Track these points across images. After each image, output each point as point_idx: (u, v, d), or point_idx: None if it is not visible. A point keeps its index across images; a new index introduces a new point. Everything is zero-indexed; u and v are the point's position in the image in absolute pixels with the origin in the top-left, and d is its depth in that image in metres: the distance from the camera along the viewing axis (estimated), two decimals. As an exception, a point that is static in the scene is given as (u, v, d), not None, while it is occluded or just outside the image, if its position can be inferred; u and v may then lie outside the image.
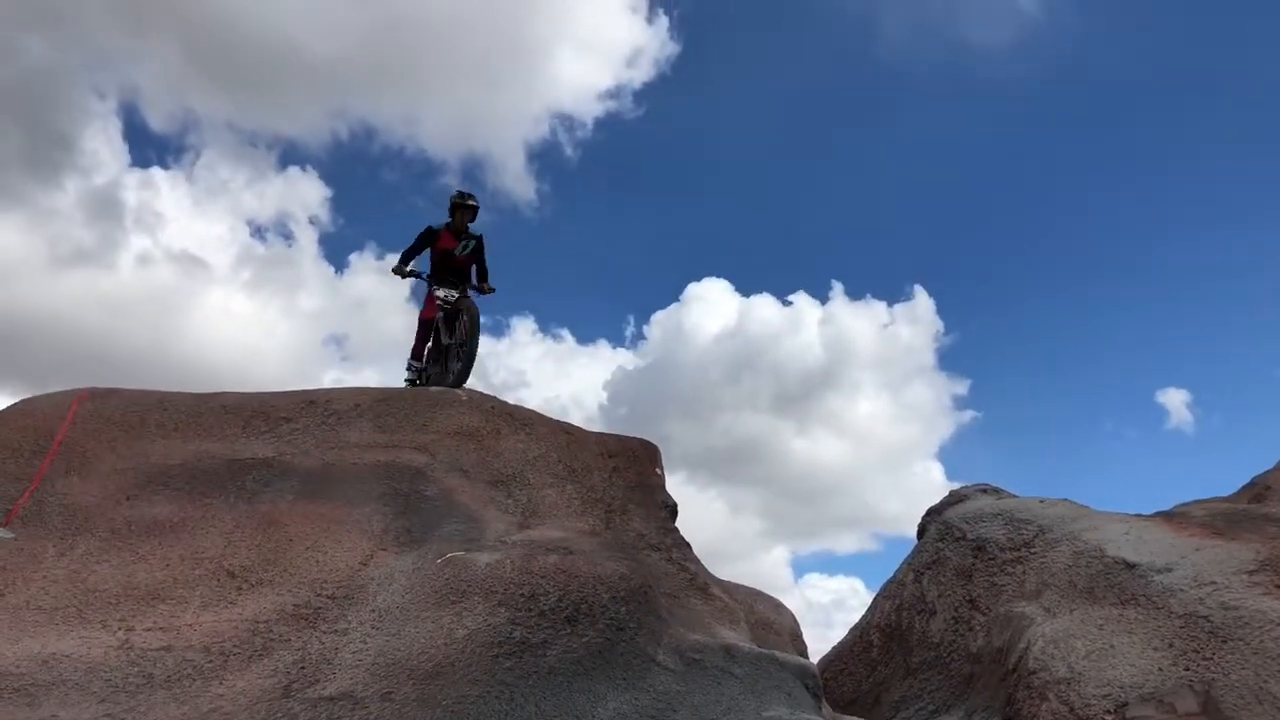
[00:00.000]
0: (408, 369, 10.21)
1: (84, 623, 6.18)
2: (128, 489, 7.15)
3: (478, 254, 10.30)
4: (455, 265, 10.24)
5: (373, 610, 6.19)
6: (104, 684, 5.71)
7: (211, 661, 5.92)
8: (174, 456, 7.47)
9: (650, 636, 6.14)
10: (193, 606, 6.38)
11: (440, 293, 9.87)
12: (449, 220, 10.19)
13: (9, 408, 7.90)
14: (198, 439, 7.70)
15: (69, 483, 7.19)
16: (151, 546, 6.76)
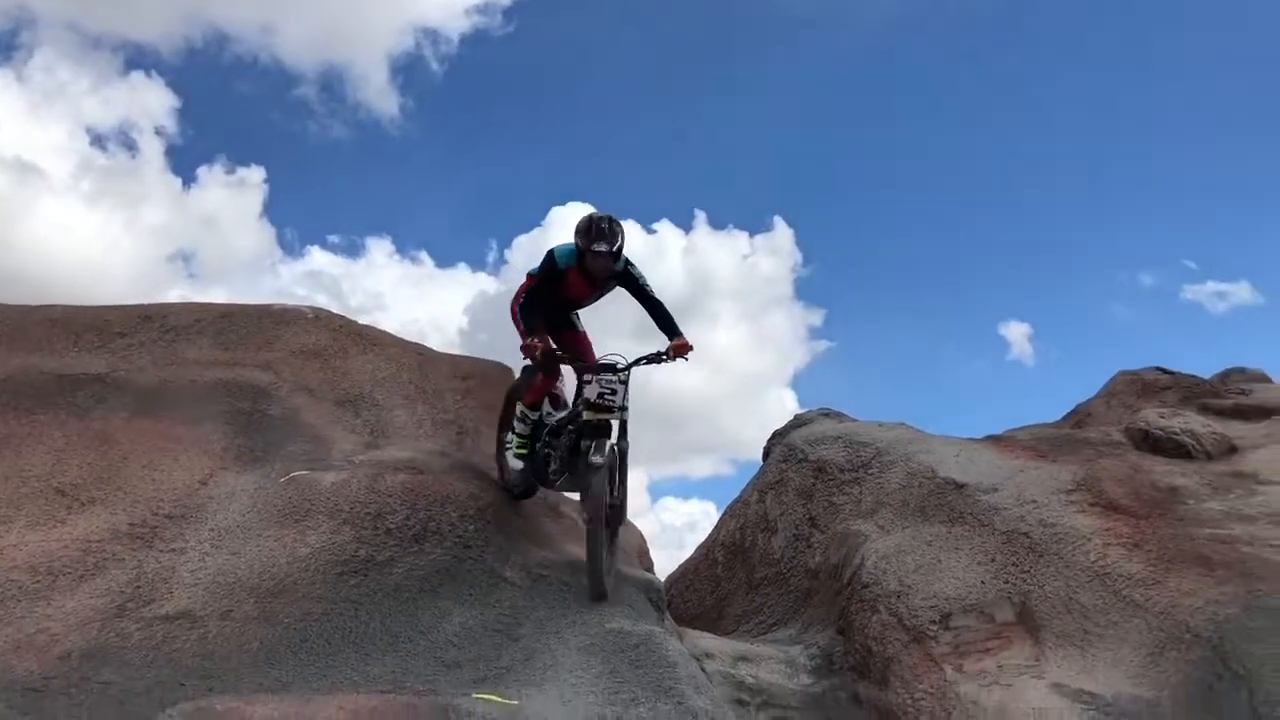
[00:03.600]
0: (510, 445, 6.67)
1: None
2: (-55, 404, 6.75)
3: (634, 288, 6.48)
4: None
5: (212, 529, 6.05)
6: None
7: (38, 582, 5.70)
8: (-3, 370, 7.08)
9: (498, 554, 6.19)
10: (18, 526, 6.11)
11: (591, 387, 6.03)
12: (576, 258, 6.33)
13: None
14: (23, 352, 7.31)
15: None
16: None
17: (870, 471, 8.12)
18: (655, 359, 6.24)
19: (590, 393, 6.01)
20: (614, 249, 6.24)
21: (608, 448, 5.90)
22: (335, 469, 6.67)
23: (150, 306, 7.98)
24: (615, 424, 6.01)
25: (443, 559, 6.08)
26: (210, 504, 6.24)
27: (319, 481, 6.41)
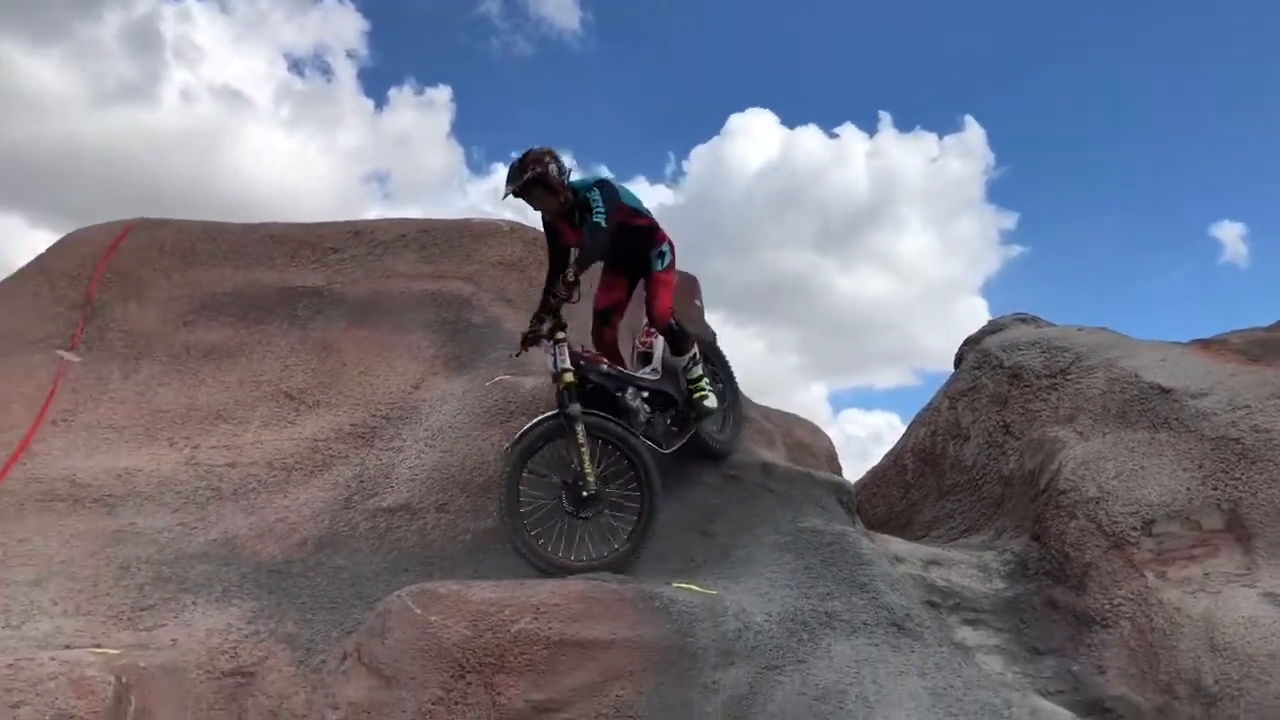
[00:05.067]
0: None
1: (152, 440, 6.50)
2: (184, 315, 7.39)
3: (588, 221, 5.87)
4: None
5: (426, 429, 6.45)
6: (175, 496, 6.06)
7: (275, 476, 6.24)
8: (225, 284, 7.67)
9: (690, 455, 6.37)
10: (253, 426, 6.69)
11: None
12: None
13: (64, 238, 8.10)
14: (248, 268, 7.87)
15: (127, 309, 7.43)
16: (211, 370, 7.03)
17: (1069, 377, 7.88)
18: (546, 310, 5.79)
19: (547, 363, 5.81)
20: (516, 187, 5.80)
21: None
22: (534, 374, 6.98)
23: (359, 223, 8.42)
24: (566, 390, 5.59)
25: (638, 459, 6.30)
26: (423, 406, 6.65)
27: (520, 385, 6.73)
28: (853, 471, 10.55)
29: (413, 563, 5.54)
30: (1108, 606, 6.17)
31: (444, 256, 8.13)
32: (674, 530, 5.79)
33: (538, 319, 5.92)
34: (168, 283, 7.62)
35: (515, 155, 5.96)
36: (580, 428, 5.54)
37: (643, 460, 5.65)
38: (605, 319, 6.49)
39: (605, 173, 6.18)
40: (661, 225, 6.44)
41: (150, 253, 7.85)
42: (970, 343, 9.16)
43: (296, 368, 7.06)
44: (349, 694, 4.43)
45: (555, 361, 5.69)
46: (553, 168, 5.90)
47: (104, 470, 6.15)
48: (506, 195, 5.88)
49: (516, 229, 8.73)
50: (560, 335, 5.72)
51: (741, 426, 6.76)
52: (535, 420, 5.61)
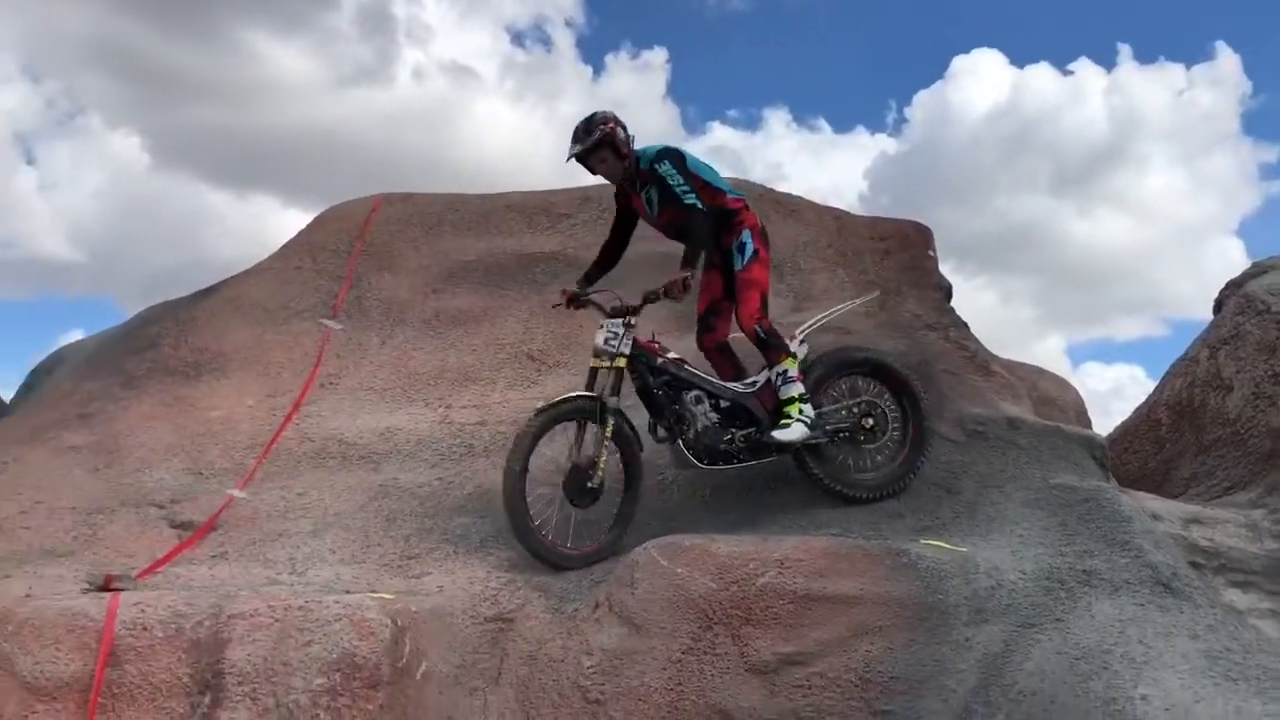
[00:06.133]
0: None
1: (409, 401, 6.93)
2: (433, 283, 7.82)
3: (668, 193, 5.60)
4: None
5: (662, 387, 6.56)
6: (432, 452, 6.43)
7: (523, 434, 6.51)
8: (469, 253, 8.06)
9: (930, 410, 6.21)
10: (500, 386, 7.02)
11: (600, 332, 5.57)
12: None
13: (322, 214, 8.69)
14: (489, 236, 8.23)
15: (381, 279, 7.92)
16: (459, 334, 7.42)
17: (1347, 321, 7.22)
18: (652, 298, 5.43)
19: (597, 338, 5.51)
20: (583, 147, 5.58)
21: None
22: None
23: (588, 188, 8.60)
24: (610, 374, 5.38)
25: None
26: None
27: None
28: (1096, 428, 10.00)
29: (655, 518, 5.66)
30: (1401, 570, 5.65)
31: (672, 217, 8.21)
32: (917, 487, 5.68)
33: (586, 279, 5.93)
34: (416, 253, 8.06)
35: (581, 118, 5.67)
36: (611, 424, 5.31)
37: (638, 472, 5.49)
38: (704, 324, 5.99)
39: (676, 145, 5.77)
40: (741, 205, 5.90)
41: (399, 225, 8.33)
42: (1232, 287, 8.51)
43: (537, 330, 7.36)
44: (602, 641, 4.60)
45: (615, 341, 5.39)
46: (620, 132, 5.63)
47: (368, 429, 6.60)
48: (570, 158, 5.66)
49: (741, 186, 8.72)
50: (633, 320, 5.44)
51: (911, 472, 5.69)
52: (564, 397, 5.37)
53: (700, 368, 5.75)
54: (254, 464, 6.28)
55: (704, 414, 5.47)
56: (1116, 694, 4.05)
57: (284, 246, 8.46)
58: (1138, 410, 8.97)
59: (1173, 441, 8.29)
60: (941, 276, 8.05)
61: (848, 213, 8.73)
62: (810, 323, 5.96)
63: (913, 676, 4.36)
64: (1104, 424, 10.13)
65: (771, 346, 5.58)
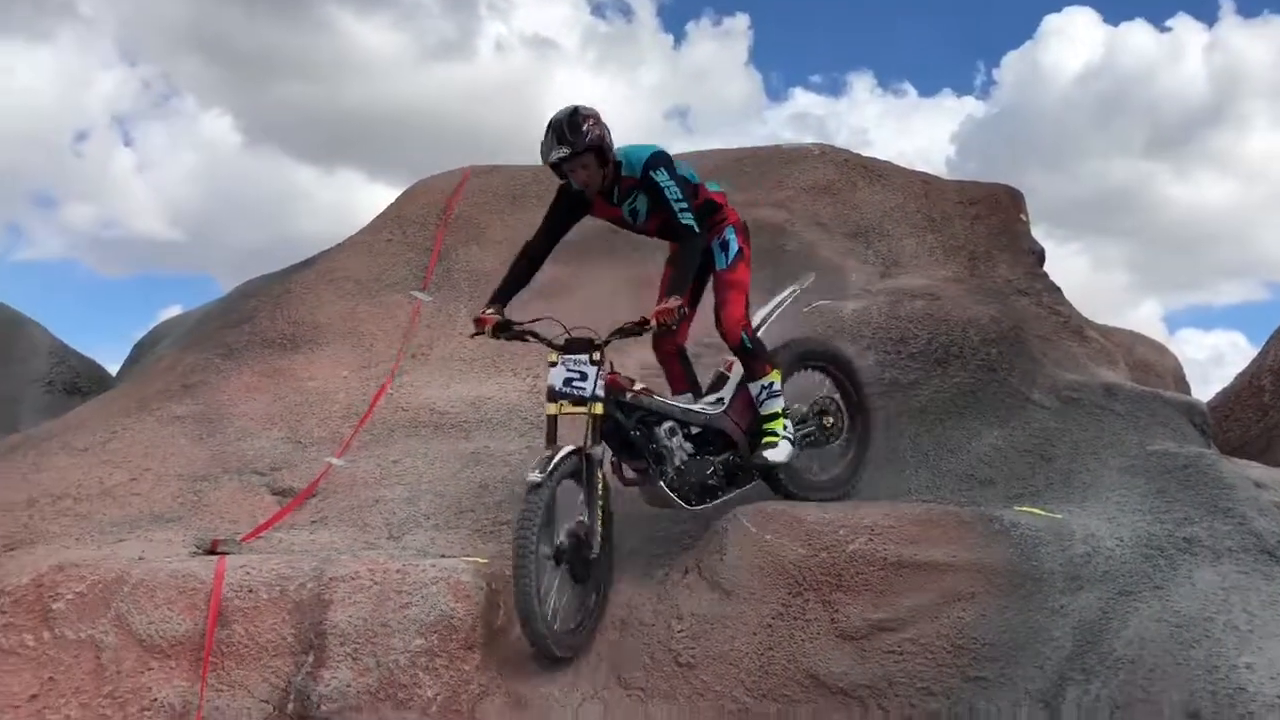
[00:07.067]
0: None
1: (498, 371, 7.03)
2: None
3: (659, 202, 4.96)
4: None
5: (748, 354, 6.55)
6: (521, 421, 6.52)
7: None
8: (552, 225, 8.10)
9: (1023, 377, 6.12)
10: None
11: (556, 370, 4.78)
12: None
13: (411, 187, 8.84)
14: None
15: (469, 251, 8.03)
16: (544, 305, 7.46)
17: None
18: (636, 330, 4.81)
19: (553, 378, 4.69)
20: (576, 150, 4.74)
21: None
22: (854, 298, 6.92)
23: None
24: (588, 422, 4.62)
25: (967, 382, 6.14)
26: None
27: (840, 310, 6.70)
28: (1194, 396, 9.73)
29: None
30: None
31: (756, 185, 8.17)
32: (1009, 454, 5.62)
33: (501, 298, 5.06)
34: (502, 225, 8.14)
35: (559, 113, 4.81)
36: (600, 475, 4.63)
37: (608, 534, 4.71)
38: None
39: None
40: (723, 199, 5.29)
41: (485, 198, 8.43)
42: (1341, 248, 8.21)
43: (620, 298, 7.36)
44: (692, 606, 4.63)
45: (583, 383, 4.63)
46: (608, 135, 4.84)
47: (459, 398, 6.72)
48: (554, 159, 4.80)
49: (827, 151, 8.65)
50: (599, 356, 4.68)
51: (860, 468, 5.47)
52: (558, 456, 4.48)
53: (650, 382, 5.26)
54: (351, 433, 6.44)
55: (679, 446, 4.92)
56: (1220, 662, 3.96)
57: (374, 220, 8.62)
58: (1240, 376, 8.74)
59: (1276, 409, 8.06)
60: (1033, 241, 7.91)
61: (936, 177, 8.61)
62: (761, 316, 5.41)
63: (1007, 643, 4.32)
64: (1203, 391, 9.84)
65: (757, 357, 5.07)
